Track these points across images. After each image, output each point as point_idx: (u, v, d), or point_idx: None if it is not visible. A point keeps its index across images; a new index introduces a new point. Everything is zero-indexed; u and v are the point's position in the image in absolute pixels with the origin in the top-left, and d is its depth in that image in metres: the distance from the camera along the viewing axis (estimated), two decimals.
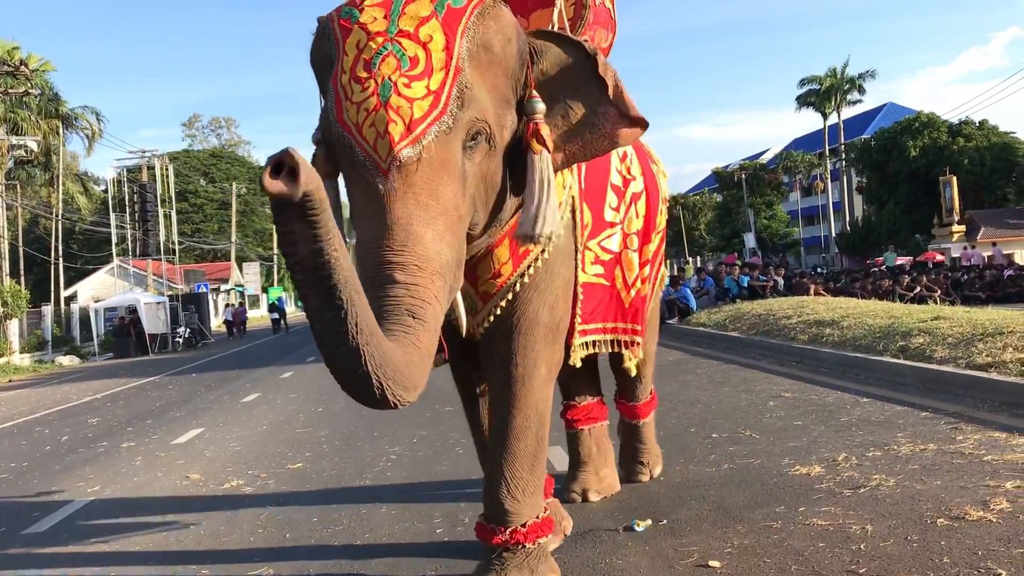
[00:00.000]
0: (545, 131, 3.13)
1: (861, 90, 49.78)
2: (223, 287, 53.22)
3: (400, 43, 2.84)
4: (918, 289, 18.74)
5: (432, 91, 2.80)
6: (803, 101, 50.72)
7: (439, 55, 2.85)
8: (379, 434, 7.96)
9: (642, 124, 3.32)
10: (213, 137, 76.60)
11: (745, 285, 18.78)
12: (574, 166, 3.63)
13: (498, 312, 3.54)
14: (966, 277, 21.07)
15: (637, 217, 4.56)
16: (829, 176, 54.03)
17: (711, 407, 7.76)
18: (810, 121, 71.26)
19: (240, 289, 56.02)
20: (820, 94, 49.50)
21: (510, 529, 3.62)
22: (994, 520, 3.88)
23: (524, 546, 3.62)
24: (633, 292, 4.51)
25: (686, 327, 16.41)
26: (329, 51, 2.98)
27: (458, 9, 2.93)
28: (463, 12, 2.93)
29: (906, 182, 40.70)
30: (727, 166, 59.83)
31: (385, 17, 2.89)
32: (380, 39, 2.85)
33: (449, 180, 2.85)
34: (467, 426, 4.37)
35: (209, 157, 65.52)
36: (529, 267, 3.51)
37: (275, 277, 64.11)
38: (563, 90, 3.26)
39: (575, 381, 4.86)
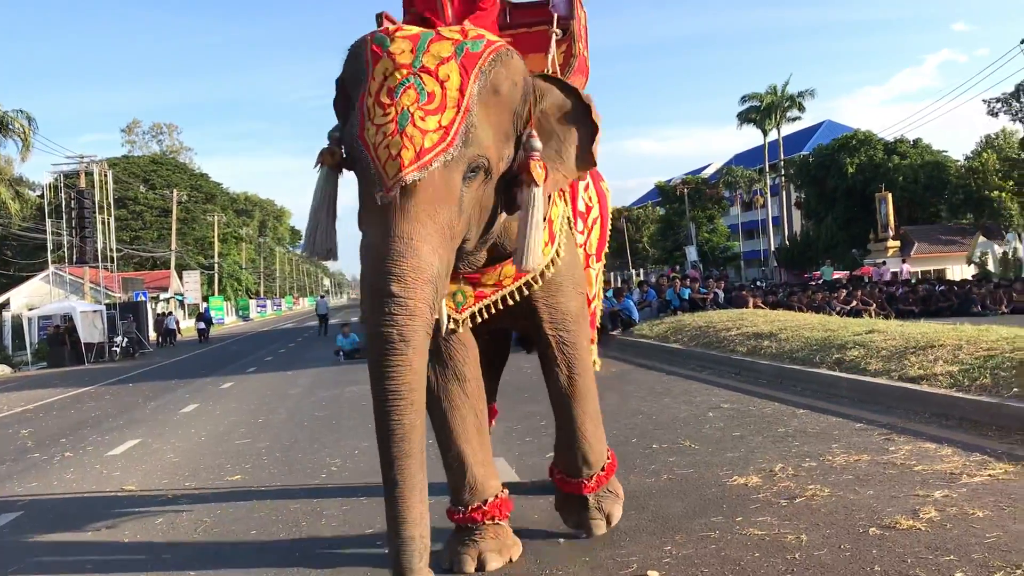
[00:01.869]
0: (539, 166, 3.52)
1: (800, 108, 50.78)
2: (162, 296, 52.26)
3: (421, 77, 3.23)
4: (854, 303, 19.15)
5: (443, 126, 3.19)
6: (744, 118, 51.60)
7: (453, 94, 3.24)
8: (320, 446, 7.90)
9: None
10: (154, 143, 75.44)
11: (686, 297, 19.00)
12: (567, 192, 4.23)
13: (495, 308, 4.01)
14: (900, 292, 21.58)
15: (593, 240, 4.85)
16: (769, 191, 54.99)
17: (652, 418, 7.84)
18: (751, 137, 72.62)
19: (180, 298, 55.08)
20: (761, 111, 50.39)
21: (594, 475, 4.35)
22: (923, 529, 3.99)
23: (607, 488, 4.45)
24: (592, 307, 4.79)
25: (629, 338, 16.55)
26: (359, 71, 3.35)
27: (475, 53, 3.33)
28: (479, 56, 3.33)
29: (843, 198, 41.60)
30: (670, 180, 60.57)
31: (412, 51, 3.28)
32: (404, 71, 3.23)
33: (447, 203, 3.25)
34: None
35: (150, 163, 64.41)
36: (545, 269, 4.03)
37: (216, 287, 63.21)
38: (559, 128, 3.75)
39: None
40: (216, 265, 63.90)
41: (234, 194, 79.61)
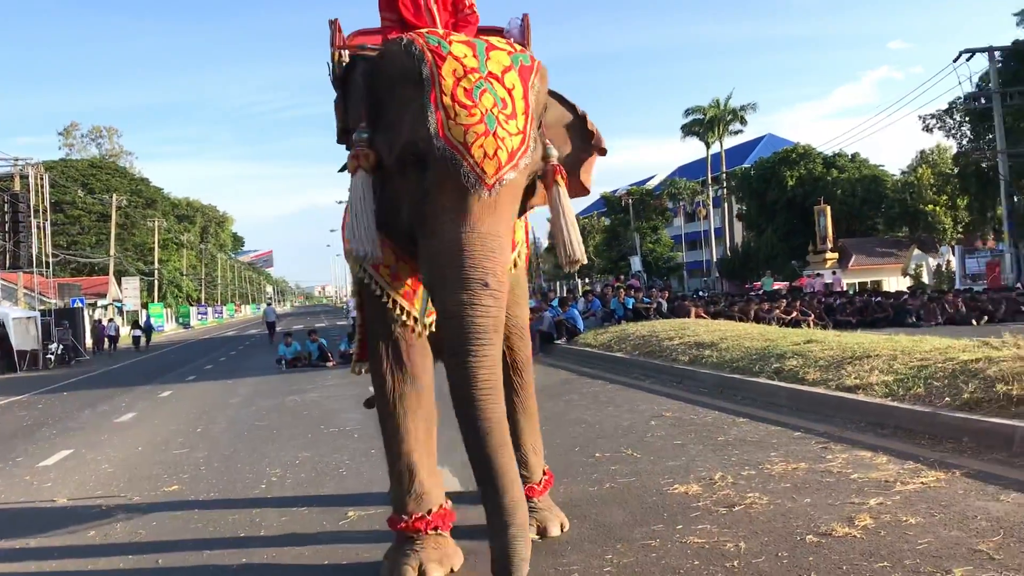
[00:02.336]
0: (561, 171, 3.85)
1: (743, 121, 51.72)
2: (100, 302, 51.14)
3: (492, 84, 3.40)
4: (793, 313, 19.48)
5: (520, 131, 3.41)
6: (688, 130, 52.36)
7: (520, 102, 3.44)
8: (260, 456, 7.78)
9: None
10: (93, 147, 73.81)
11: (630, 307, 19.16)
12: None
13: None
14: (838, 302, 22.00)
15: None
16: (711, 203, 55.77)
17: (595, 427, 7.88)
18: (694, 150, 73.47)
19: (118, 305, 53.98)
20: (704, 124, 51.20)
21: (536, 482, 4.59)
22: (858, 536, 4.06)
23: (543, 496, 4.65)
24: None
25: (573, 347, 16.63)
26: (413, 68, 3.41)
27: (527, 67, 3.55)
28: (531, 70, 3.56)
29: (783, 210, 42.38)
30: (615, 191, 61.04)
31: (474, 56, 3.43)
32: (476, 75, 3.38)
33: (516, 204, 3.56)
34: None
35: (88, 167, 63.03)
36: None
37: (155, 293, 62.05)
38: (558, 138, 3.97)
39: None
40: (156, 271, 62.74)
41: (175, 199, 78.33)
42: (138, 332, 37.97)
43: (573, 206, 3.98)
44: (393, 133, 3.53)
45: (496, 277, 3.33)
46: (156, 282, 62.87)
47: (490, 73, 3.41)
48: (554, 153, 3.83)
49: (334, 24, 4.40)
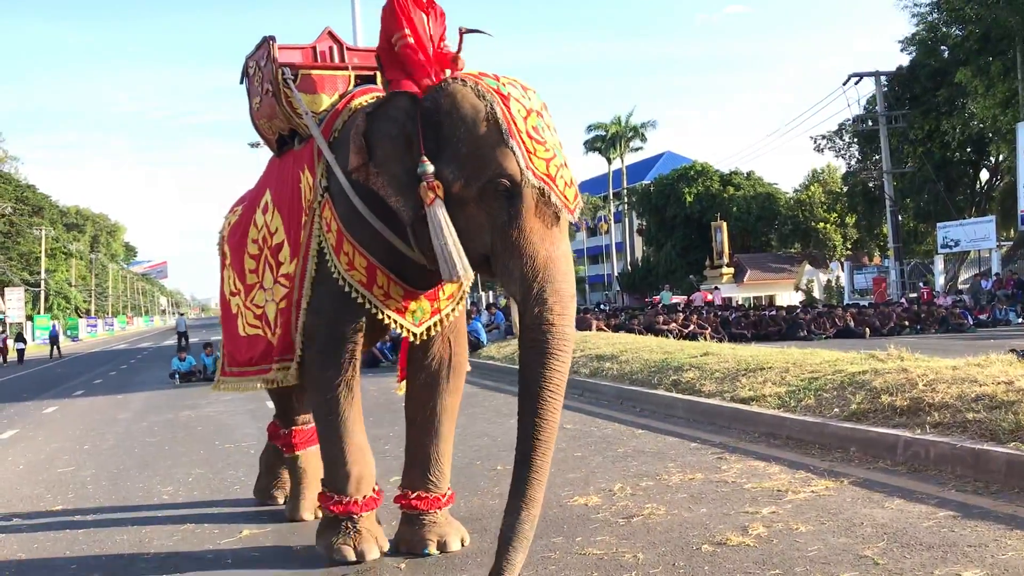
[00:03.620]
0: None
1: (643, 138, 52.74)
2: None
3: (544, 120, 3.85)
4: (691, 327, 19.91)
5: (566, 161, 3.88)
6: (590, 146, 53.11)
7: (559, 137, 3.94)
8: (151, 473, 7.51)
9: None
10: None
11: None
12: None
13: (447, 321, 4.60)
14: (733, 316, 22.59)
15: None
16: (613, 218, 56.67)
17: (497, 439, 7.88)
18: (596, 165, 74.49)
19: (0, 316, 51.59)
20: (606, 140, 51.99)
21: (442, 493, 4.61)
22: (752, 544, 4.15)
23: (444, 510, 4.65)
24: None
25: (476, 360, 16.58)
26: (486, 109, 3.76)
27: (544, 103, 3.95)
28: (546, 108, 3.95)
29: (682, 226, 43.34)
30: None
31: (524, 97, 3.84)
32: (534, 115, 3.80)
33: None
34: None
35: None
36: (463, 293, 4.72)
37: (42, 305, 59.55)
38: None
39: (300, 403, 5.45)
40: (43, 282, 60.22)
41: (64, 207, 75.47)
42: (21, 345, 37.16)
43: None
44: (470, 167, 3.79)
45: (574, 290, 3.84)
46: (43, 293, 60.36)
47: (539, 112, 3.85)
48: None
49: (271, 42, 4.80)
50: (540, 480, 3.67)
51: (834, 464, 5.80)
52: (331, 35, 5.07)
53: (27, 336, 43.40)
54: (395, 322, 4.38)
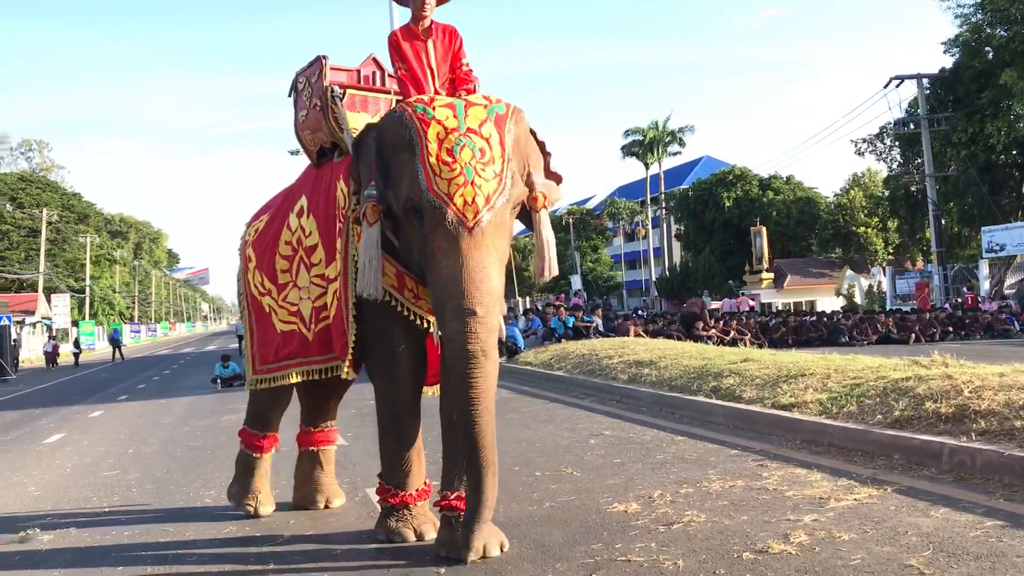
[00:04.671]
0: (543, 195, 4.52)
1: (681, 143, 52.40)
2: (28, 319, 49.70)
3: (471, 138, 4.13)
4: (731, 333, 19.75)
5: (497, 174, 4.14)
6: (627, 151, 52.90)
7: (496, 148, 4.17)
8: (194, 477, 7.61)
9: None
10: (23, 160, 71.82)
11: (571, 325, 19.23)
12: None
13: None
14: (773, 322, 22.37)
15: None
16: (650, 223, 56.42)
17: (535, 445, 7.87)
18: (634, 170, 74.27)
19: (47, 322, 52.53)
20: (643, 145, 51.75)
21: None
22: (793, 552, 4.11)
23: None
24: None
25: (513, 366, 16.61)
26: (406, 136, 4.21)
27: (502, 115, 4.29)
28: (506, 117, 4.30)
29: (720, 231, 43.08)
30: (555, 210, 61.36)
31: (454, 116, 4.17)
32: (456, 134, 4.12)
33: (504, 236, 4.27)
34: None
35: (18, 181, 61.29)
36: None
37: (87, 311, 60.55)
38: (536, 169, 4.59)
39: (329, 408, 6.12)
40: (88, 288, 61.26)
41: (108, 215, 76.70)
42: (77, 349, 39.14)
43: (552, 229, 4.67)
44: (397, 189, 4.28)
45: (484, 306, 4.05)
46: (88, 299, 61.37)
47: (468, 129, 4.14)
48: (538, 182, 4.49)
49: (324, 61, 5.26)
50: (487, 477, 4.14)
51: (877, 472, 5.73)
52: (375, 61, 5.51)
53: (71, 341, 44.43)
54: (426, 321, 4.71)
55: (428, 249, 4.16)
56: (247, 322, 6.04)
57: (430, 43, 4.81)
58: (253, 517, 5.77)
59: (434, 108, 4.20)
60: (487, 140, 4.15)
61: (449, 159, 4.07)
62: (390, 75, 5.39)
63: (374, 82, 5.43)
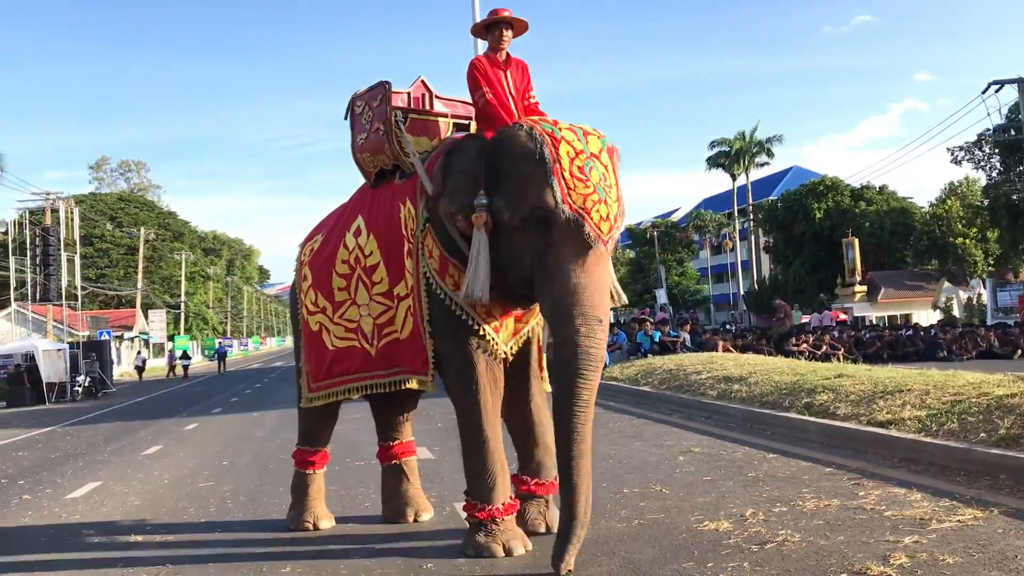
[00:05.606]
0: None
1: (769, 153, 51.46)
2: (127, 334, 51.54)
3: (595, 162, 4.40)
4: (823, 348, 19.28)
5: (617, 200, 4.46)
6: (713, 162, 52.17)
7: (612, 176, 4.47)
8: (286, 489, 7.70)
9: None
10: (122, 181, 74.78)
11: (657, 340, 19.04)
12: None
13: (523, 342, 5.21)
14: (868, 336, 21.77)
15: None
16: (738, 235, 55.53)
17: (623, 462, 7.80)
18: (719, 182, 73.22)
19: (144, 337, 54.38)
20: (730, 156, 50.99)
21: (552, 479, 5.19)
22: (893, 574, 3.96)
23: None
24: None
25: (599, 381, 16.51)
26: (535, 149, 4.39)
27: (612, 148, 4.57)
28: (613, 151, 4.57)
29: (810, 243, 42.11)
30: (640, 223, 61.01)
31: (579, 140, 4.44)
32: (584, 155, 4.39)
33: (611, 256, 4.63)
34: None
35: (117, 201, 63.88)
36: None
37: (181, 326, 62.47)
38: None
39: (401, 422, 6.23)
40: (182, 304, 63.24)
41: (202, 232, 79.15)
42: (186, 361, 42.26)
43: None
44: (517, 199, 4.46)
45: (606, 315, 4.39)
46: (183, 314, 63.34)
47: (591, 153, 4.41)
48: None
49: (388, 86, 5.34)
50: (582, 487, 4.27)
51: (981, 492, 5.50)
52: (424, 83, 5.59)
53: (166, 355, 46.69)
54: (491, 339, 4.92)
55: (553, 258, 4.37)
56: (299, 341, 6.17)
57: (508, 73, 5.06)
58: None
59: (560, 129, 4.46)
60: (605, 167, 4.43)
61: (582, 176, 4.32)
62: (438, 97, 5.58)
63: (423, 104, 5.54)
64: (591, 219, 4.28)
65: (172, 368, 41.90)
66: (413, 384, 5.23)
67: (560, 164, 4.32)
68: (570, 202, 4.27)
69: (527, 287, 4.61)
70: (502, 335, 5.00)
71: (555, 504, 5.05)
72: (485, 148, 4.72)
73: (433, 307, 4.96)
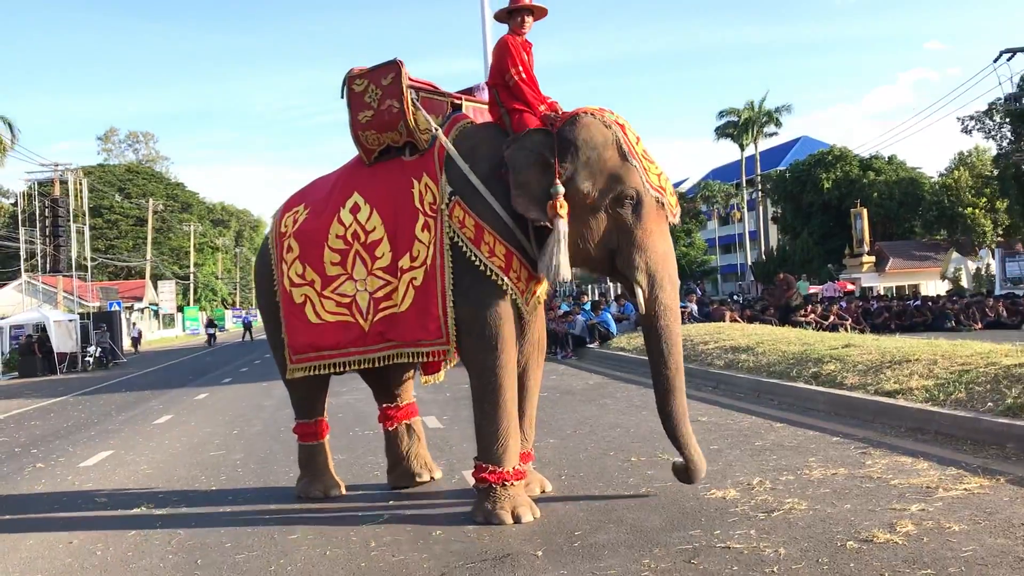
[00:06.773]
0: None
1: (777, 123, 51.04)
2: (136, 305, 51.76)
3: (643, 146, 5.02)
4: (831, 317, 19.26)
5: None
6: (721, 132, 51.82)
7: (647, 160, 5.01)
8: (295, 457, 7.79)
9: None
10: (130, 152, 74.65)
11: None
12: None
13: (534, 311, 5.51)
14: (876, 306, 21.74)
15: None
16: (746, 206, 55.33)
17: (630, 431, 7.84)
18: (728, 152, 72.92)
19: (154, 308, 54.61)
20: (738, 126, 50.60)
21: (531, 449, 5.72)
22: (900, 542, 4.00)
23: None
24: None
25: (606, 351, 16.57)
26: (612, 136, 4.92)
27: (638, 137, 5.06)
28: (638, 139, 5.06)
29: (819, 213, 41.93)
30: None
31: (629, 128, 5.02)
32: (638, 141, 4.99)
33: None
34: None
35: (126, 172, 63.85)
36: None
37: (191, 296, 62.70)
38: None
39: (393, 386, 6.29)
40: (191, 275, 63.41)
41: (210, 204, 79.12)
42: (212, 329, 44.85)
43: None
44: (602, 182, 4.91)
45: (678, 278, 5.12)
46: (191, 285, 63.55)
47: (638, 137, 5.01)
48: None
49: (402, 65, 5.41)
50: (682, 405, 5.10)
51: (988, 461, 5.52)
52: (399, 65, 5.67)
53: (177, 325, 47.31)
54: (520, 302, 5.19)
55: (640, 232, 4.91)
56: (279, 312, 5.96)
57: (530, 55, 5.30)
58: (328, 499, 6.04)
59: (615, 116, 5.03)
60: (643, 152, 4.98)
61: (650, 158, 4.96)
62: (410, 78, 5.53)
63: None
64: (668, 197, 4.92)
65: (211, 337, 44.04)
66: (404, 359, 5.42)
67: (634, 148, 4.88)
68: (650, 183, 4.87)
69: (607, 258, 5.06)
70: (527, 298, 5.27)
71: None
72: (554, 137, 4.98)
73: (461, 272, 5.09)
